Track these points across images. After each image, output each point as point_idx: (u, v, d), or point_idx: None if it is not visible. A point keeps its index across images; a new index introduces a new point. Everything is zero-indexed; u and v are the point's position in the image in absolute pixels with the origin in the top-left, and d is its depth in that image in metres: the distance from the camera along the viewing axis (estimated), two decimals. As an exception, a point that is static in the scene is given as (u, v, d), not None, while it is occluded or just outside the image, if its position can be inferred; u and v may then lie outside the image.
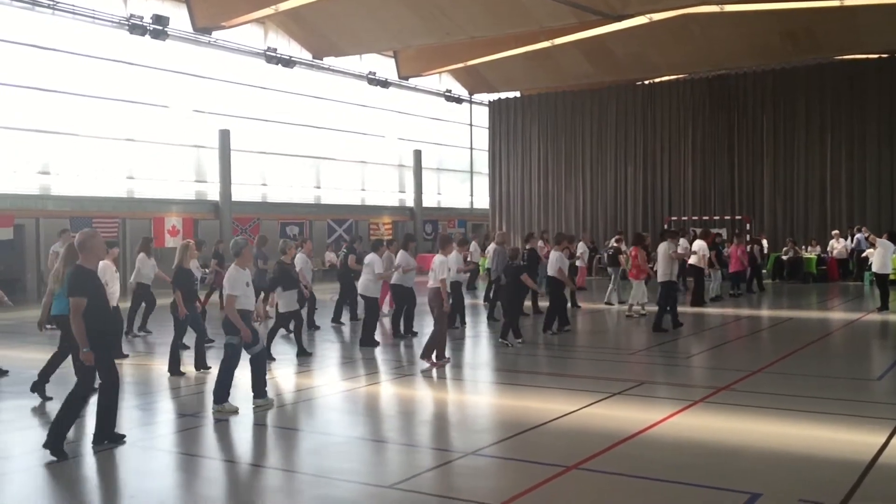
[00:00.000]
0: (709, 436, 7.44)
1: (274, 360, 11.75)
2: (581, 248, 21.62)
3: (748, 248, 22.02)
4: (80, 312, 6.95)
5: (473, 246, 23.95)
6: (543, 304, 16.88)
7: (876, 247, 17.81)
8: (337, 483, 6.28)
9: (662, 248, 15.24)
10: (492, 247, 17.63)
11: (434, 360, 11.25)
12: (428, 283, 11.64)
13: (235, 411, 8.51)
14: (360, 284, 13.81)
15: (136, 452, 7.17)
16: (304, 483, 6.44)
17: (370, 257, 13.88)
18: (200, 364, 11.09)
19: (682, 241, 18.48)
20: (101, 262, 9.61)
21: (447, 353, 11.59)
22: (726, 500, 5.77)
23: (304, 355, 12.27)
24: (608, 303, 19.33)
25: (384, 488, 6.10)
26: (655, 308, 14.82)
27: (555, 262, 14.29)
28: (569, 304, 16.12)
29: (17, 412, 8.96)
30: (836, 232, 26.62)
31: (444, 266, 11.52)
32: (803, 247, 27.00)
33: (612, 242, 22.06)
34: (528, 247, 17.84)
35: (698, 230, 23.23)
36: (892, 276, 18.06)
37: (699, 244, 18.95)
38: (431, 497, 5.95)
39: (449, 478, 6.48)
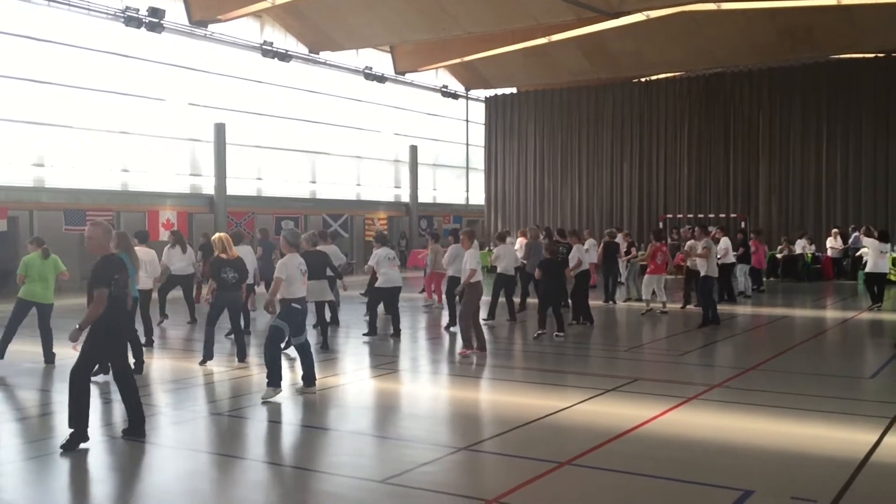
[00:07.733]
0: (702, 433, 7.44)
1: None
2: (589, 243, 21.11)
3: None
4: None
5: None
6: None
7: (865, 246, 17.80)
8: (329, 477, 6.27)
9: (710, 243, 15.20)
10: (520, 241, 17.79)
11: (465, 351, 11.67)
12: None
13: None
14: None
15: (137, 447, 7.12)
16: (295, 477, 6.42)
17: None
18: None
19: (724, 241, 18.56)
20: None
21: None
22: (718, 496, 5.78)
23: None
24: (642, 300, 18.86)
25: (377, 482, 6.07)
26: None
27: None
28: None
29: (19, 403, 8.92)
30: (836, 230, 26.29)
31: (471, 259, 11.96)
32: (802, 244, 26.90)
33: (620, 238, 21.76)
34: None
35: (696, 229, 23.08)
36: (891, 276, 17.91)
37: (725, 241, 18.95)
38: (425, 492, 5.94)
39: (442, 473, 6.46)
